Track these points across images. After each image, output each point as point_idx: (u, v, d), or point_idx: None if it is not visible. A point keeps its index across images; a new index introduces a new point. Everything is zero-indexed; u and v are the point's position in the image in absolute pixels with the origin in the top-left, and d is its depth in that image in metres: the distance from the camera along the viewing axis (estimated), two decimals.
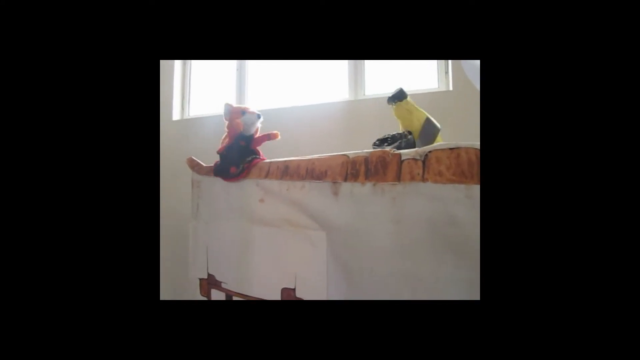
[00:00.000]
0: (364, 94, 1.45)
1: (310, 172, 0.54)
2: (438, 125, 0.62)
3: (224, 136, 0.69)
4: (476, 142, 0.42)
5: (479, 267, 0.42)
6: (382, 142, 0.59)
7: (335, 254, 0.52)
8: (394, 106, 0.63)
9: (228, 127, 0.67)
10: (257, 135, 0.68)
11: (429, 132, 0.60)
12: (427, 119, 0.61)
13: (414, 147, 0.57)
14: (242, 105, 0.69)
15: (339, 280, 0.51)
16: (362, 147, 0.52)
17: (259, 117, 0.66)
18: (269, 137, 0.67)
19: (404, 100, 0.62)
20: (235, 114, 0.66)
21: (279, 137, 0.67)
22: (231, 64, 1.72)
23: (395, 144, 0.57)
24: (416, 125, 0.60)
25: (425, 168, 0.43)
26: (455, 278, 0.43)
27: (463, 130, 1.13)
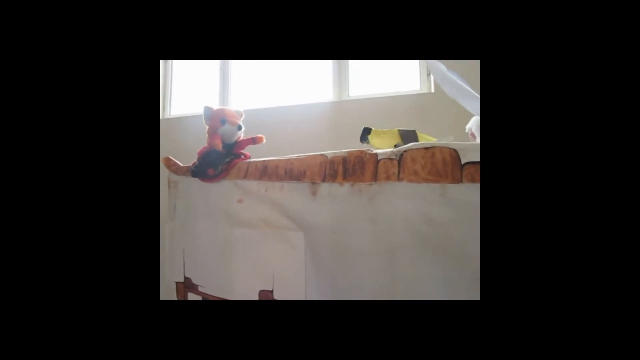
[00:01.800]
0: (348, 95, 1.46)
1: (289, 173, 0.53)
2: (411, 129, 0.65)
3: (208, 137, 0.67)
4: (451, 142, 0.43)
5: (455, 265, 0.42)
6: None
7: (313, 254, 0.51)
8: (369, 142, 0.67)
9: (208, 132, 0.64)
10: (240, 139, 0.65)
11: (407, 134, 0.63)
12: (399, 130, 0.64)
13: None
14: (225, 108, 0.65)
15: (317, 281, 0.51)
16: (347, 148, 0.52)
17: (239, 128, 0.63)
18: (254, 141, 0.64)
19: (372, 132, 0.67)
20: (215, 122, 0.62)
21: (264, 141, 0.64)
22: (214, 63, 1.69)
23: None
24: (394, 139, 0.62)
25: (401, 167, 0.44)
26: (433, 276, 0.43)
27: (444, 131, 1.15)
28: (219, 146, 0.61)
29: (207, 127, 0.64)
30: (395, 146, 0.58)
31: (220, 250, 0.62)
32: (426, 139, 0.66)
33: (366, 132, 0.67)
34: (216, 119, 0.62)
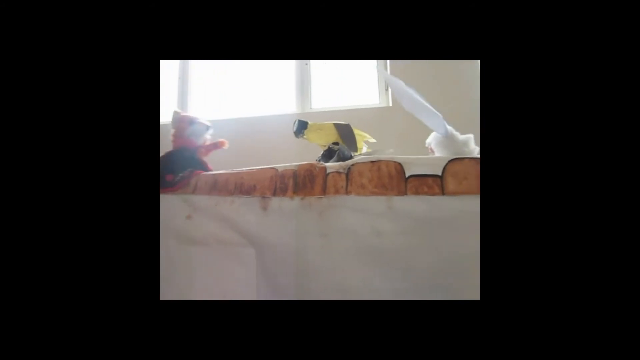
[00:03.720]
0: (311, 107, 1.48)
1: (239, 187, 0.52)
2: (344, 122, 0.66)
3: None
4: (396, 156, 0.44)
5: (404, 277, 0.43)
6: (325, 157, 0.60)
7: (265, 271, 0.50)
8: (305, 136, 0.66)
9: (174, 135, 0.63)
10: (205, 144, 0.65)
11: (345, 131, 0.64)
12: (335, 124, 0.64)
13: (348, 152, 0.59)
14: (191, 115, 0.65)
15: (270, 297, 0.49)
16: (310, 159, 0.51)
17: (208, 128, 0.64)
18: (216, 146, 0.64)
19: (308, 126, 0.66)
20: (183, 123, 0.62)
21: (227, 145, 0.65)
22: (173, 72, 1.64)
23: (335, 157, 0.58)
24: (331, 135, 0.63)
25: (349, 181, 0.44)
26: (384, 288, 0.44)
27: (402, 144, 1.19)
28: (194, 143, 0.62)
29: (174, 130, 0.63)
30: (334, 144, 0.59)
31: (169, 269, 0.58)
32: (360, 134, 0.66)
33: (302, 126, 0.65)
34: (185, 121, 0.63)
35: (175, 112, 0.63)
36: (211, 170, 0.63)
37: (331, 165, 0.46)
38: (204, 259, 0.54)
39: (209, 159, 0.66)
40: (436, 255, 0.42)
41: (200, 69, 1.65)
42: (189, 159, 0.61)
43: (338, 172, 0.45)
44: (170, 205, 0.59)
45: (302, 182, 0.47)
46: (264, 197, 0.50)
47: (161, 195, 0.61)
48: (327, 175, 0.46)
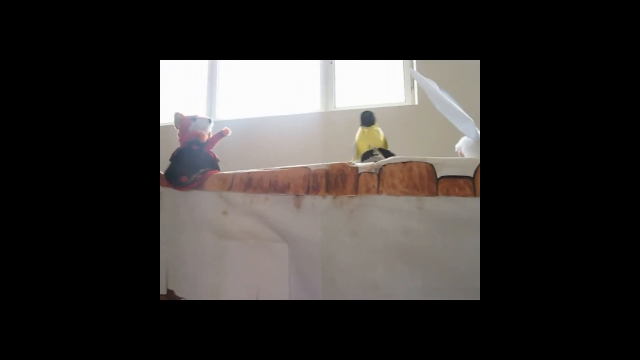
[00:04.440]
0: (335, 106, 1.49)
1: (273, 185, 0.54)
2: None
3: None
4: (427, 157, 0.45)
5: (432, 276, 0.44)
6: (363, 158, 0.61)
7: (296, 266, 0.52)
8: (368, 129, 0.66)
9: (180, 133, 0.69)
10: (210, 137, 0.70)
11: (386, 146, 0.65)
12: (384, 138, 0.66)
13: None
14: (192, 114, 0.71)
15: (301, 292, 0.51)
16: (335, 158, 0.53)
17: (210, 121, 0.69)
18: (221, 134, 0.70)
19: (374, 124, 0.67)
20: (186, 120, 0.68)
21: (230, 132, 0.69)
22: (202, 72, 1.70)
23: (378, 155, 0.60)
24: (381, 142, 0.64)
25: (380, 181, 0.45)
26: (411, 287, 0.45)
27: (427, 143, 1.18)
28: (204, 137, 0.68)
29: (178, 130, 0.69)
30: (380, 149, 0.60)
31: (205, 262, 0.61)
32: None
33: (372, 121, 0.66)
34: (186, 119, 0.69)
35: (177, 114, 0.70)
36: (218, 160, 0.68)
37: (363, 165, 0.48)
38: (239, 252, 0.57)
39: (227, 155, 0.70)
40: (466, 256, 0.43)
41: (228, 69, 1.71)
42: (198, 155, 0.66)
43: (370, 173, 0.46)
44: (206, 202, 0.63)
45: (334, 182, 0.49)
46: (297, 195, 0.52)
47: (197, 192, 0.65)
48: (358, 175, 0.47)
